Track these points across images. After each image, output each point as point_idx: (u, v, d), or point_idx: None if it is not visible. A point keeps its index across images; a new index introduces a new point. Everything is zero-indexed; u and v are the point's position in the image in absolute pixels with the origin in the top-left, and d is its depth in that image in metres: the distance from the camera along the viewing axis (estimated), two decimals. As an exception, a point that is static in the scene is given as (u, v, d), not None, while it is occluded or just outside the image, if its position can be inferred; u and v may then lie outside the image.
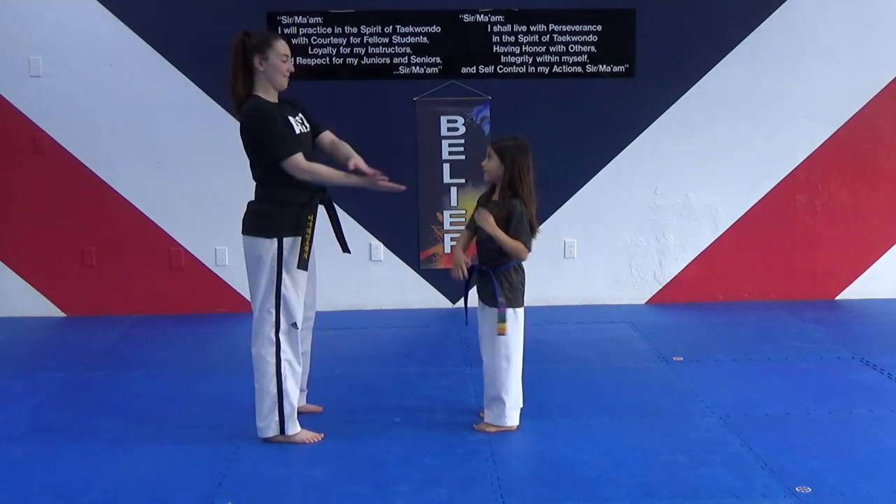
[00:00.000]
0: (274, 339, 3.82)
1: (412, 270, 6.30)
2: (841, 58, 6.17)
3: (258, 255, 3.77)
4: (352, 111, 6.02)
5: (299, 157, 3.74)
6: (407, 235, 6.28)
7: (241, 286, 6.24)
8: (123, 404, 4.45)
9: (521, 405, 4.05)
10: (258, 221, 3.81)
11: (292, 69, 3.84)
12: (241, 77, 3.78)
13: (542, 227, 6.20)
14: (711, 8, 6.10)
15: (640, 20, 6.09)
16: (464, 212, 6.24)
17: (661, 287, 6.41)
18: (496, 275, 3.94)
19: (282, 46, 3.79)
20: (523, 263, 4.02)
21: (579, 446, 3.84)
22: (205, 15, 5.93)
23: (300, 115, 3.92)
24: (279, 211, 3.77)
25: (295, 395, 3.90)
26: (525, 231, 3.88)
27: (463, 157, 6.19)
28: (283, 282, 3.78)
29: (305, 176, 3.75)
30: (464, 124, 6.16)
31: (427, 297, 6.32)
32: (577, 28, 6.10)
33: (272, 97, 3.83)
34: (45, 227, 6.09)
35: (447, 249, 6.28)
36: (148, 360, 5.23)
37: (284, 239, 3.76)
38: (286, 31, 5.99)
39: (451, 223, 6.26)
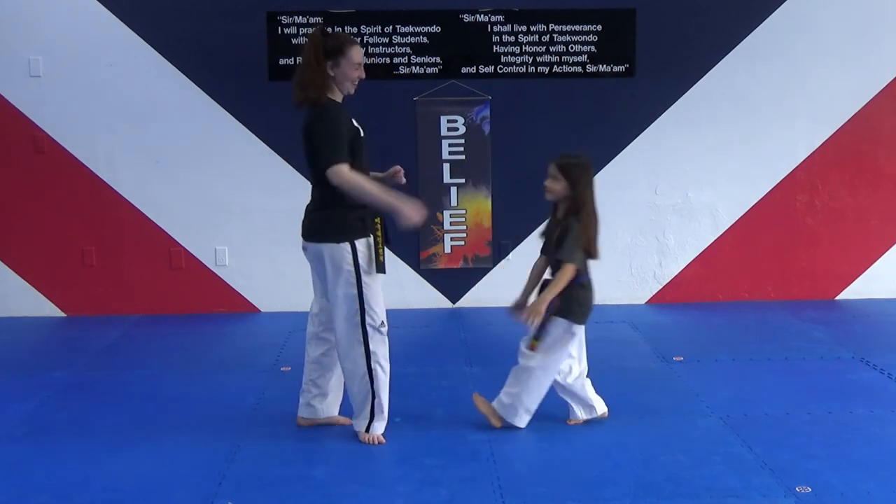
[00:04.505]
0: (363, 342, 3.77)
1: (412, 270, 6.30)
2: (841, 58, 6.17)
3: (333, 262, 3.72)
4: (352, 111, 5.99)
5: (341, 169, 3.66)
6: (407, 235, 6.25)
7: (242, 286, 6.26)
8: (123, 404, 4.45)
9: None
10: (328, 227, 3.74)
11: (363, 76, 3.80)
12: (313, 75, 3.72)
13: (541, 227, 6.29)
14: (711, 8, 6.10)
15: (640, 20, 6.09)
16: (464, 211, 6.24)
17: (661, 287, 6.40)
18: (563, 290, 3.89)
19: (356, 55, 3.74)
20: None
21: (579, 446, 3.84)
22: (205, 15, 5.93)
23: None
24: (347, 214, 3.72)
25: (387, 396, 3.86)
26: (574, 249, 3.87)
27: (463, 157, 6.19)
28: (363, 284, 3.73)
29: (346, 186, 3.65)
30: (464, 124, 6.16)
31: (427, 297, 6.32)
32: (577, 28, 6.10)
33: (340, 98, 3.82)
34: (45, 227, 6.09)
35: (447, 249, 6.27)
36: (148, 360, 5.23)
37: (357, 242, 3.72)
38: (286, 31, 6.00)
39: (451, 223, 6.26)
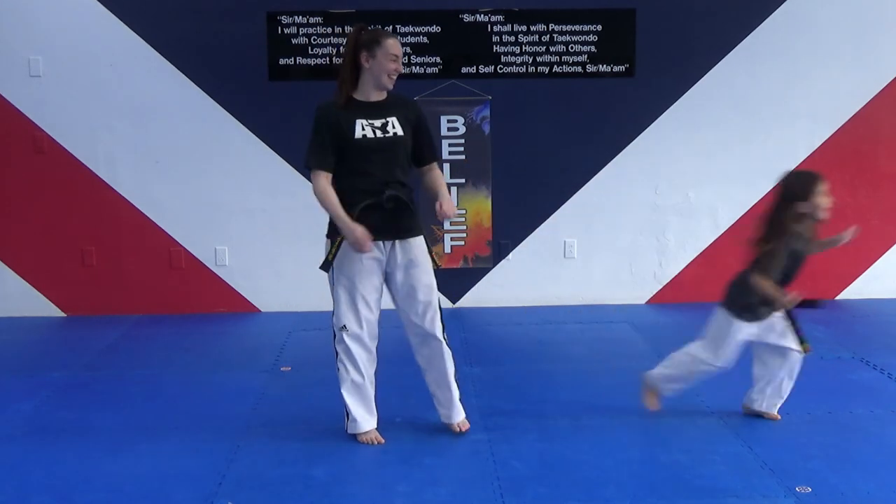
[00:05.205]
0: (332, 340, 3.85)
1: (412, 270, 6.28)
2: (841, 58, 6.17)
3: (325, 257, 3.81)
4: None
5: (317, 174, 3.72)
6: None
7: (241, 286, 6.26)
8: (123, 404, 4.45)
9: None
10: (329, 224, 3.82)
11: (400, 69, 3.76)
12: (348, 73, 3.73)
13: (542, 227, 6.32)
14: (711, 8, 6.10)
15: (640, 20, 6.09)
16: (464, 211, 6.23)
17: (661, 287, 6.40)
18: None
19: (392, 45, 3.70)
20: None
21: (579, 446, 3.84)
22: (205, 15, 5.93)
23: (392, 118, 3.76)
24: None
25: (351, 397, 3.87)
26: None
27: (463, 157, 6.18)
28: (333, 284, 3.78)
29: (319, 200, 3.74)
30: (464, 124, 6.16)
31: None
32: (577, 28, 6.10)
33: (374, 96, 3.76)
34: (45, 227, 6.09)
35: (448, 249, 6.27)
36: (148, 359, 5.23)
37: (336, 240, 3.75)
38: (286, 31, 5.99)
39: (451, 223, 6.26)
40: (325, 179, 3.72)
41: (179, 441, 3.95)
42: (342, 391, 3.88)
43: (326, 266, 3.77)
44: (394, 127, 3.76)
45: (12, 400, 4.50)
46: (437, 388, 3.98)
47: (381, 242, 3.77)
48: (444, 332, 3.91)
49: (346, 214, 3.66)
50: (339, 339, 3.83)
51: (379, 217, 3.72)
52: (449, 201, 3.87)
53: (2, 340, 5.67)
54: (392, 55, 3.70)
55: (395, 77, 3.74)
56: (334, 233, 3.75)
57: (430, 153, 3.95)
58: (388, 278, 3.84)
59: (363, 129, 3.71)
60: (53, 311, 6.21)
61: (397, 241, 3.80)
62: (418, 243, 3.84)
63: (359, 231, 3.63)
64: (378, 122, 3.74)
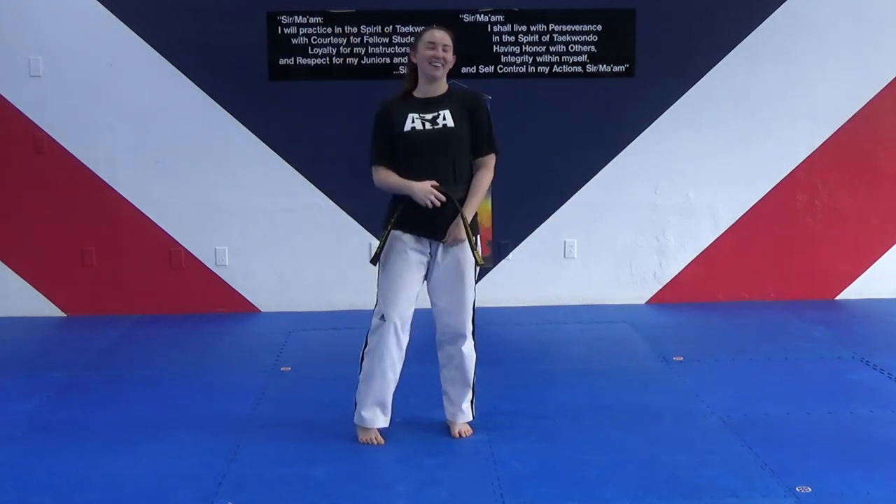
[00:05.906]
0: (368, 329, 3.88)
1: (412, 270, 6.29)
2: (841, 58, 6.17)
3: None
4: (352, 111, 6.02)
5: (375, 169, 3.82)
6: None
7: (242, 286, 6.26)
8: (123, 404, 4.45)
9: None
10: None
11: (440, 55, 3.73)
12: (408, 73, 3.88)
13: (542, 227, 6.33)
14: (711, 8, 6.10)
15: (640, 20, 6.09)
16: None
17: (661, 287, 6.40)
18: None
19: (428, 35, 3.77)
20: None
21: (579, 446, 3.84)
22: (205, 15, 5.93)
23: (445, 111, 3.75)
24: (388, 206, 3.85)
25: (362, 390, 3.87)
26: None
27: (463, 157, 6.18)
28: (378, 272, 3.84)
29: (380, 187, 3.83)
30: (464, 124, 6.15)
31: (427, 296, 6.30)
32: (577, 28, 6.10)
33: (430, 91, 3.78)
34: (45, 227, 6.09)
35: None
36: (148, 360, 5.23)
37: (384, 233, 3.81)
38: (286, 31, 5.99)
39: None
40: (381, 171, 3.80)
41: (179, 441, 3.95)
42: (361, 383, 3.89)
43: (375, 260, 3.83)
44: (444, 119, 3.76)
45: (12, 400, 4.50)
46: (451, 386, 3.98)
47: (425, 240, 3.80)
48: (473, 332, 3.95)
49: (403, 179, 3.73)
50: (373, 330, 3.84)
51: (426, 214, 3.73)
52: (457, 226, 3.76)
53: (2, 340, 5.67)
54: (428, 42, 3.74)
55: (437, 64, 3.73)
56: (385, 224, 3.81)
57: (480, 145, 3.85)
58: (427, 274, 3.88)
59: (413, 122, 3.74)
60: (53, 311, 6.21)
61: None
62: (465, 244, 3.83)
63: (423, 185, 3.68)
64: (429, 116, 3.75)
